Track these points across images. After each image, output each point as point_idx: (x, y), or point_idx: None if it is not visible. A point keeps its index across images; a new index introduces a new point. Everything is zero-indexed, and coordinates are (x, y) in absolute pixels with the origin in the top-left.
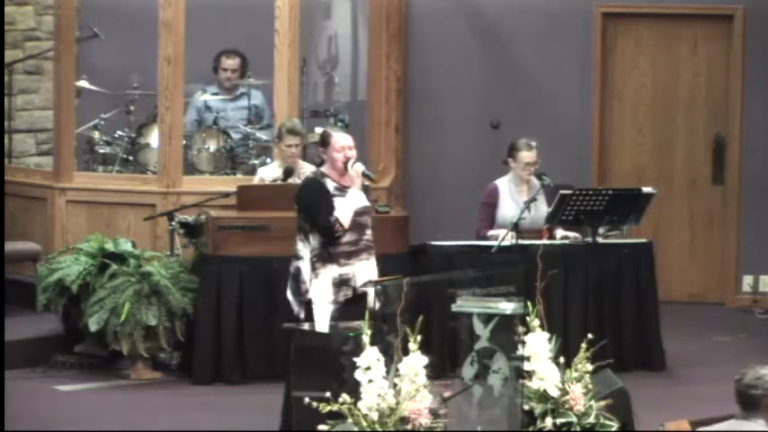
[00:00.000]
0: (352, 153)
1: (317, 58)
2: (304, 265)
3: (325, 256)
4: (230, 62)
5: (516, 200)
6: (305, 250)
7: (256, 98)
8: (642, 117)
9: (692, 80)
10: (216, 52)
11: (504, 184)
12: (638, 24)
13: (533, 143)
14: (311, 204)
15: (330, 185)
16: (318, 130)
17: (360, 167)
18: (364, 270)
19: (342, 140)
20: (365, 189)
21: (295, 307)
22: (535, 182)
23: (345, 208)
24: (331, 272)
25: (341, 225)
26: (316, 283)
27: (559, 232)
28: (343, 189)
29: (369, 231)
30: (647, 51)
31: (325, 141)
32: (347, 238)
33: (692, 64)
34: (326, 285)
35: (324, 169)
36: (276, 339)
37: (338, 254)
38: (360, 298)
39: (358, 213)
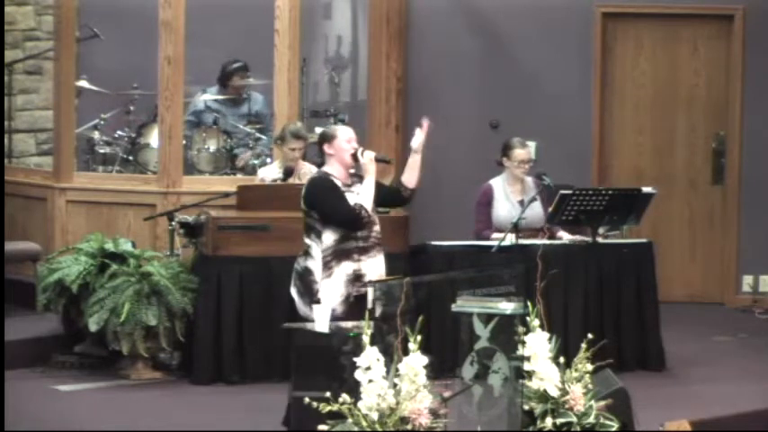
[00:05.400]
0: (356, 145)
1: (317, 58)
2: (315, 265)
3: (340, 252)
4: (240, 81)
5: (511, 199)
6: (316, 250)
7: (257, 103)
8: (642, 117)
9: (692, 80)
10: (216, 52)
11: (498, 183)
12: (638, 24)
13: (527, 142)
14: (325, 199)
15: (336, 183)
16: (319, 130)
17: (371, 154)
18: (375, 266)
19: (348, 133)
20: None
21: (302, 307)
22: (529, 181)
23: (365, 195)
24: (345, 269)
25: (365, 210)
26: (328, 281)
27: (564, 235)
28: (348, 186)
29: (377, 228)
30: (647, 51)
31: (329, 137)
32: (359, 233)
33: (692, 64)
34: (339, 283)
35: (326, 169)
36: (276, 339)
37: (352, 249)
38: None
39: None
